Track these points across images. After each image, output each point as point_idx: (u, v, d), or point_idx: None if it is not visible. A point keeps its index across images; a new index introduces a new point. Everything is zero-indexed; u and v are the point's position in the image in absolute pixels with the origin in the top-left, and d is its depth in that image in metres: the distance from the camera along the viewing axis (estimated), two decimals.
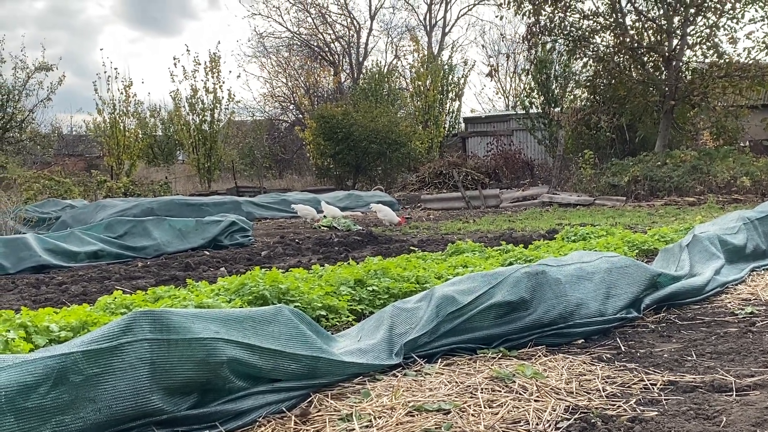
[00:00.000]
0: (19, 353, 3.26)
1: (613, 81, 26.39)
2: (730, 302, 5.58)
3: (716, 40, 24.93)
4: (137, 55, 79.94)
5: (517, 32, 48.07)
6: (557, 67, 29.54)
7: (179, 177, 36.03)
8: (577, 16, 26.40)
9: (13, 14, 70.60)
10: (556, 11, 25.97)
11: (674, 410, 3.14)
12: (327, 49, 47.64)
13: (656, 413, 3.13)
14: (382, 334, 3.97)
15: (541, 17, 26.00)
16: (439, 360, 4.00)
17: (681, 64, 25.37)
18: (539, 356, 4.09)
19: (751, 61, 24.49)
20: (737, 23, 24.70)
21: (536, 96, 30.01)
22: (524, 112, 30.05)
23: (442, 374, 3.72)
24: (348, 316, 5.27)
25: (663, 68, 25.62)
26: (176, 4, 77.47)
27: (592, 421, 3.07)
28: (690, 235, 6.71)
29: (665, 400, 3.32)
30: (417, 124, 35.59)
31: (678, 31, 25.29)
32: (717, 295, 5.85)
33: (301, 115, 44.10)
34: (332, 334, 4.09)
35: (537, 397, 3.36)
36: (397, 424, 3.02)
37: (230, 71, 73.53)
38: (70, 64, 77.70)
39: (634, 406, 3.25)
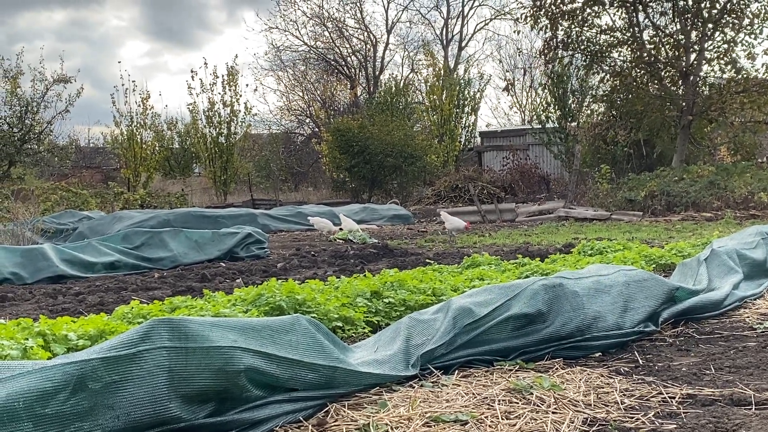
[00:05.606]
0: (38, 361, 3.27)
1: (630, 96, 26.33)
2: (748, 317, 5.54)
3: (734, 55, 24.91)
4: (155, 68, 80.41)
5: (533, 47, 48.10)
6: (574, 81, 29.51)
7: (195, 189, 36.19)
8: (594, 30, 26.42)
9: (31, 26, 71.30)
10: (573, 26, 25.99)
11: (693, 423, 3.12)
12: (343, 62, 47.74)
13: (675, 426, 3.11)
14: (399, 345, 3.96)
15: (557, 32, 26.01)
16: (456, 371, 3.99)
17: (698, 79, 25.30)
18: (556, 369, 4.08)
19: None
20: (755, 39, 24.69)
21: (553, 110, 29.96)
22: (540, 126, 30.01)
23: (459, 386, 3.71)
24: (364, 328, 5.27)
25: (680, 83, 25.56)
26: (195, 17, 77.95)
27: None
28: (708, 250, 6.68)
29: (684, 413, 3.30)
30: (433, 137, 35.62)
31: (696, 46, 25.25)
32: (735, 310, 5.82)
33: (317, 129, 44.20)
34: (348, 345, 4.09)
35: (555, 409, 3.34)
36: None
37: (247, 84, 73.87)
38: (89, 76, 78.19)
39: (653, 419, 3.23)
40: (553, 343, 4.34)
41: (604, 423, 3.19)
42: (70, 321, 4.62)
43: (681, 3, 25.02)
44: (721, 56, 25.11)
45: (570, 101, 29.70)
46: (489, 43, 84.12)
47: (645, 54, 25.61)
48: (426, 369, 3.93)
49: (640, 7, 25.58)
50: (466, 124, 38.90)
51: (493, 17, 51.92)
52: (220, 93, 33.65)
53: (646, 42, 26.06)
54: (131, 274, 9.78)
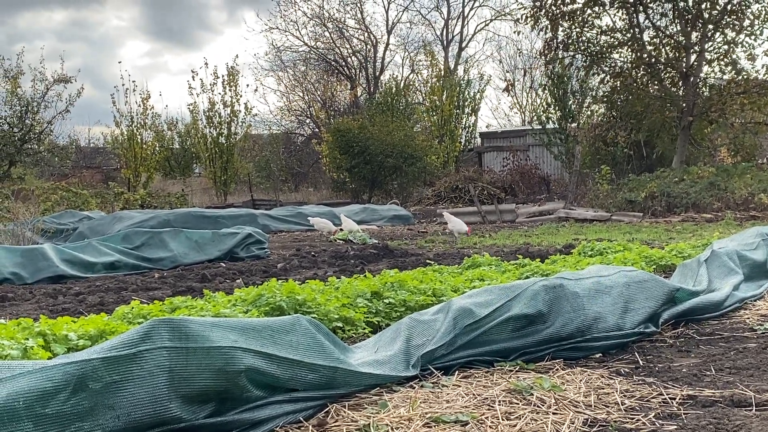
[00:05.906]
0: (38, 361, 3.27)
1: (630, 96, 26.32)
2: (748, 318, 5.54)
3: (734, 56, 24.91)
4: (155, 68, 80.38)
5: (534, 47, 48.14)
6: (574, 82, 29.50)
7: (196, 190, 36.21)
8: (595, 31, 26.42)
9: (31, 26, 71.28)
10: (574, 27, 25.98)
11: (693, 424, 3.12)
12: (344, 63, 47.72)
13: (675, 427, 3.11)
14: (399, 346, 3.96)
15: (558, 33, 26.00)
16: (456, 372, 3.99)
17: (699, 80, 25.30)
18: (557, 369, 4.08)
19: None
20: (755, 40, 24.69)
21: (553, 111, 29.97)
22: (541, 127, 30.01)
23: (460, 386, 3.71)
24: (364, 328, 5.27)
25: (681, 84, 25.56)
26: (195, 17, 77.94)
27: None
28: (708, 251, 6.67)
29: (684, 414, 3.30)
30: (433, 138, 35.63)
31: (696, 47, 25.25)
32: (736, 311, 5.81)
33: (317, 129, 44.20)
34: (349, 345, 4.08)
35: (555, 409, 3.34)
36: None
37: (247, 85, 73.96)
38: (89, 76, 78.19)
39: (653, 420, 3.23)
40: (554, 344, 4.34)
41: (604, 424, 3.19)
42: (71, 321, 4.61)
43: (681, 4, 25.02)
44: (722, 57, 25.12)
45: (570, 102, 29.69)
46: (489, 43, 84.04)
47: (645, 55, 25.62)
48: (426, 369, 3.93)
49: (641, 8, 25.58)
50: (467, 125, 38.90)
51: (493, 18, 52.11)
52: (220, 93, 33.75)
53: (647, 43, 26.07)
54: (131, 274, 9.77)
